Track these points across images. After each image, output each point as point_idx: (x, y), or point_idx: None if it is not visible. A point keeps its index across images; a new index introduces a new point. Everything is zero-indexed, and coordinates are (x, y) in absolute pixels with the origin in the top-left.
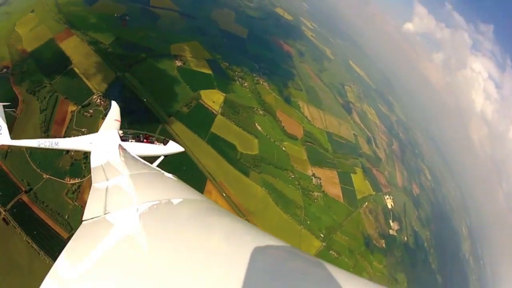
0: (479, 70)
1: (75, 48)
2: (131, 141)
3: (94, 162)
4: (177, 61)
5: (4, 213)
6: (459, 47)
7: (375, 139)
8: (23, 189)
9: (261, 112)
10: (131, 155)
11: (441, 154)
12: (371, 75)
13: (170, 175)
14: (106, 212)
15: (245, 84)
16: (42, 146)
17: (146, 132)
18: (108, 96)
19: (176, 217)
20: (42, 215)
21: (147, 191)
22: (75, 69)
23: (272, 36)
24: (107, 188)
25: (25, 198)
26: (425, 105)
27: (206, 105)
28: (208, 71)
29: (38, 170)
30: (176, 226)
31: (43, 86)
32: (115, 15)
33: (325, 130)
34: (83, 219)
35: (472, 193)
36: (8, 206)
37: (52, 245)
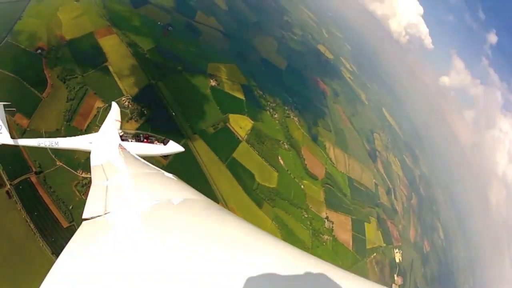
0: (507, 130)
1: (113, 47)
2: (131, 141)
3: (94, 161)
4: (211, 80)
5: (9, 186)
6: (490, 105)
7: (395, 190)
8: (34, 169)
9: (286, 146)
10: (131, 154)
11: (458, 213)
12: (401, 125)
13: (170, 175)
14: (106, 212)
15: (275, 116)
16: (42, 145)
17: (146, 132)
18: (137, 101)
19: (176, 216)
20: (46, 199)
21: (147, 191)
22: (110, 67)
23: (310, 72)
24: (107, 188)
25: (33, 178)
26: (450, 161)
27: (232, 130)
28: (241, 96)
29: (53, 156)
30: (177, 226)
31: (75, 76)
32: (159, 23)
33: (347, 175)
34: (83, 217)
35: (480, 254)
36: (15, 181)
37: (49, 230)
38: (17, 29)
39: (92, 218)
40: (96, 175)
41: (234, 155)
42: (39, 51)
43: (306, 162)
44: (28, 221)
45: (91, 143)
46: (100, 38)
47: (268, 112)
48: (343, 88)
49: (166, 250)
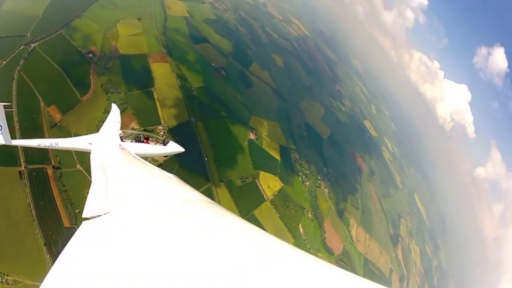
0: None
1: (163, 74)
2: (131, 142)
3: (94, 161)
4: (251, 133)
5: (23, 168)
6: None
7: (408, 279)
8: (53, 163)
9: (310, 215)
10: (131, 154)
11: None
12: (430, 214)
13: (170, 175)
14: (106, 211)
15: (307, 183)
16: (42, 146)
17: (146, 133)
18: (172, 133)
19: (176, 216)
20: (56, 194)
21: (147, 190)
22: (155, 93)
23: (351, 145)
24: (107, 188)
25: (49, 171)
26: (469, 256)
27: (260, 187)
28: (277, 156)
29: (75, 158)
30: (177, 225)
31: (118, 91)
32: (213, 64)
33: (364, 255)
34: (83, 217)
35: None
36: (30, 166)
37: (49, 222)
38: (74, 25)
39: (92, 217)
40: (96, 175)
41: (255, 212)
42: (90, 55)
43: (326, 235)
44: (32, 206)
45: (90, 143)
46: (153, 63)
47: (300, 178)
48: (380, 168)
49: (166, 249)
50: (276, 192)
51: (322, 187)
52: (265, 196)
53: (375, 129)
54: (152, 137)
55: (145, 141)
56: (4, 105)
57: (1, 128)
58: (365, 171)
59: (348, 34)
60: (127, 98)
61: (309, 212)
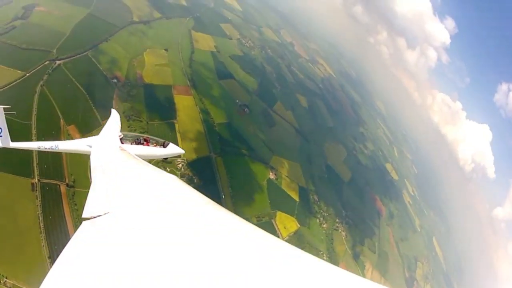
0: None
1: (186, 107)
2: (131, 144)
3: (94, 162)
4: (271, 173)
5: (37, 180)
6: None
7: None
8: (67, 181)
9: (324, 257)
10: (131, 155)
11: None
12: (447, 257)
13: (170, 175)
14: (106, 212)
15: (324, 225)
16: (42, 149)
17: (146, 135)
18: (191, 167)
19: (176, 216)
20: (67, 212)
21: (148, 191)
22: (176, 125)
23: (371, 188)
24: (107, 188)
25: (62, 188)
26: None
27: (276, 227)
28: (295, 197)
29: (90, 178)
30: (177, 225)
31: (140, 119)
32: (237, 101)
33: None
34: (82, 217)
35: None
36: (44, 180)
37: (56, 237)
38: (101, 48)
39: (92, 218)
40: (96, 175)
41: None
42: (115, 80)
43: None
44: (40, 219)
45: (90, 146)
46: (177, 95)
47: (318, 220)
48: (399, 211)
49: (166, 250)
50: (292, 233)
51: (340, 230)
52: (280, 236)
53: (397, 172)
54: (152, 139)
55: (145, 143)
56: (4, 108)
57: (1, 130)
58: (384, 214)
59: (373, 75)
60: (148, 127)
61: (324, 254)
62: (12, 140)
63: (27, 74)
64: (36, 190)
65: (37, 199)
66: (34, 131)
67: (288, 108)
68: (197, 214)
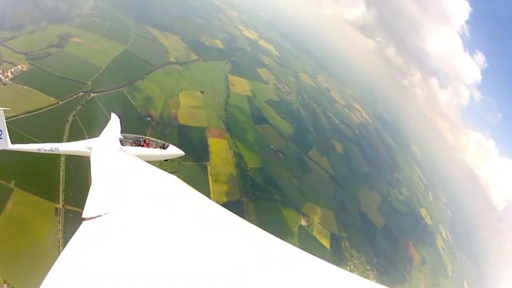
0: None
1: (220, 150)
2: (132, 145)
3: (94, 163)
4: (303, 220)
5: (61, 206)
6: None
7: None
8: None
9: None
10: (131, 156)
11: None
12: None
13: (170, 175)
14: (106, 212)
15: (355, 273)
16: (42, 151)
17: (146, 137)
18: None
19: (176, 216)
20: None
21: (148, 191)
22: (209, 167)
23: (405, 235)
24: (107, 188)
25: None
26: None
27: None
28: (327, 244)
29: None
30: (177, 225)
31: (172, 160)
32: (272, 146)
33: None
34: (82, 217)
35: None
36: (68, 207)
37: None
38: (137, 85)
39: (92, 218)
40: (96, 176)
41: None
42: (149, 118)
43: None
44: (60, 243)
45: (90, 148)
46: (211, 137)
47: (348, 268)
48: (432, 257)
49: (166, 249)
50: None
51: (370, 278)
52: None
53: (431, 217)
54: (152, 141)
55: (145, 144)
56: (4, 110)
57: (1, 132)
58: (417, 260)
59: (408, 118)
60: (180, 167)
61: None
62: (12, 143)
63: (60, 102)
64: (60, 215)
65: (59, 223)
66: (63, 158)
67: (324, 154)
68: (197, 214)
